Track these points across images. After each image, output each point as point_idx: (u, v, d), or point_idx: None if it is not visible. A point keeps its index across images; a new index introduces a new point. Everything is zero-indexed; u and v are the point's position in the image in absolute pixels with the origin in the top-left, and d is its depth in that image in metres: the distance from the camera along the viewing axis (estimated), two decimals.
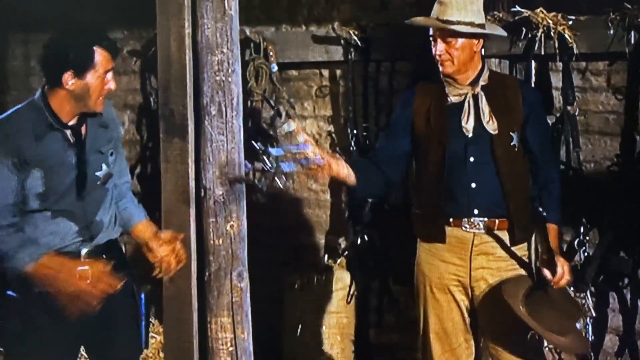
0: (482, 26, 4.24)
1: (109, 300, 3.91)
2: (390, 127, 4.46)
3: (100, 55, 3.78)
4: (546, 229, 4.15)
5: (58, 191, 3.78)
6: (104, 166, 3.93)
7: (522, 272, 4.30)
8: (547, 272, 4.13)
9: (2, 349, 3.99)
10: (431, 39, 4.27)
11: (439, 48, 4.22)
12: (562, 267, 4.14)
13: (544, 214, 4.18)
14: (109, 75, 3.82)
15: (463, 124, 4.25)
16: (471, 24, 4.19)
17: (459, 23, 4.18)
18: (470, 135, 4.24)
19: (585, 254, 4.86)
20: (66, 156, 3.81)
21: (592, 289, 4.92)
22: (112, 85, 3.84)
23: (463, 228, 4.26)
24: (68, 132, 3.83)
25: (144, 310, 4.11)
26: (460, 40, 4.21)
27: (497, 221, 4.25)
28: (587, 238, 4.87)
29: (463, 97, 4.28)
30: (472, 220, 4.25)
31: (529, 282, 4.22)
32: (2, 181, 3.71)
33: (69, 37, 3.80)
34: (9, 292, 3.85)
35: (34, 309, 3.82)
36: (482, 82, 4.29)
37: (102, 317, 3.92)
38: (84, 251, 3.87)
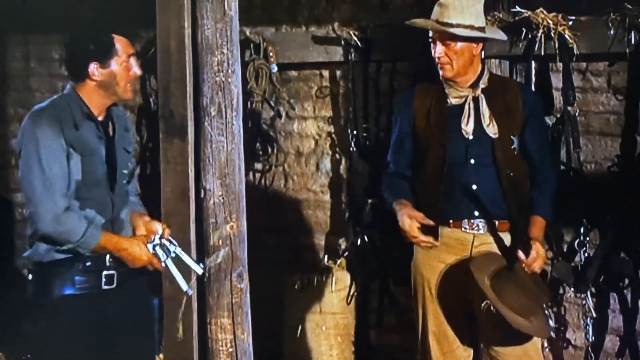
0: (481, 29, 4.23)
1: (127, 305, 3.93)
2: (397, 135, 4.44)
3: (119, 41, 3.83)
4: (528, 219, 4.19)
5: (93, 180, 3.82)
6: (129, 164, 3.97)
7: None
8: (521, 254, 4.12)
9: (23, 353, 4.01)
10: (430, 40, 4.26)
11: (438, 50, 4.21)
12: (537, 251, 4.13)
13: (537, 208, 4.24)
14: (132, 60, 3.87)
15: (463, 126, 4.24)
16: (471, 27, 4.18)
17: (458, 26, 4.17)
18: (470, 137, 4.24)
19: (586, 254, 4.85)
20: (98, 148, 3.84)
21: (593, 289, 4.91)
22: (136, 69, 3.89)
23: (463, 229, 4.25)
24: (99, 125, 3.87)
25: (157, 316, 4.12)
26: (460, 44, 4.20)
27: (497, 222, 4.24)
28: (588, 239, 4.87)
29: (463, 99, 4.28)
30: (472, 221, 4.25)
31: (502, 262, 4.20)
32: (63, 160, 3.76)
33: (87, 30, 3.89)
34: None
35: (50, 313, 3.83)
36: (482, 85, 4.29)
37: (120, 322, 3.93)
38: (108, 255, 3.88)
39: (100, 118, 3.89)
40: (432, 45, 4.25)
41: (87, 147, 3.80)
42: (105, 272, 3.87)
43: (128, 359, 4.01)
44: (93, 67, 3.80)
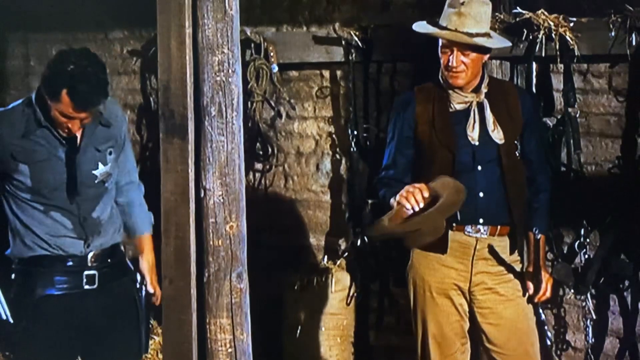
0: (489, 35, 4.22)
1: (109, 305, 3.92)
2: (398, 140, 4.39)
3: (66, 99, 3.71)
4: (534, 242, 4.21)
5: (48, 186, 3.79)
6: (101, 165, 3.92)
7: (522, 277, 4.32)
8: (530, 286, 4.21)
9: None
10: (443, 48, 4.20)
11: (456, 60, 4.14)
12: (546, 284, 4.24)
13: (534, 229, 4.24)
14: (69, 121, 3.75)
15: (469, 132, 4.21)
16: (486, 34, 4.16)
17: (477, 35, 4.13)
18: (476, 143, 4.22)
19: (586, 256, 4.85)
20: (56, 152, 3.81)
21: (593, 291, 4.91)
22: (72, 128, 3.77)
23: (466, 233, 4.23)
24: (59, 131, 3.83)
25: (144, 314, 4.11)
26: (475, 52, 4.17)
27: (499, 227, 4.23)
28: (588, 240, 4.86)
29: (468, 104, 4.25)
30: (475, 226, 4.23)
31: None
32: None
33: (54, 65, 3.76)
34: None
35: (32, 313, 3.81)
36: (484, 89, 4.27)
37: (103, 322, 3.92)
38: (90, 255, 3.87)
39: None
40: (444, 54, 4.19)
41: (38, 155, 3.79)
42: (86, 272, 3.87)
43: (112, 359, 4.01)
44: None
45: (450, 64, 4.16)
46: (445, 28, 4.17)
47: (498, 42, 4.26)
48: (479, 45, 4.13)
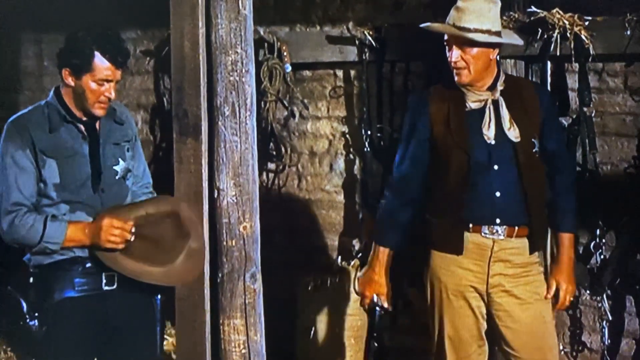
0: (498, 33, 4.16)
1: (128, 305, 3.91)
2: (414, 140, 4.30)
3: (100, 62, 3.79)
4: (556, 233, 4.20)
5: (75, 182, 3.82)
6: (121, 160, 3.94)
7: (540, 279, 4.28)
8: (552, 284, 4.25)
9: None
10: (446, 44, 4.18)
11: (454, 55, 4.12)
12: (565, 294, 4.27)
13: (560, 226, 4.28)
14: (108, 85, 3.82)
15: (484, 131, 4.16)
16: (488, 31, 4.10)
17: (476, 31, 4.08)
18: (492, 142, 4.18)
19: (602, 256, 4.83)
20: (80, 148, 3.85)
21: (609, 292, 4.88)
22: (109, 95, 3.84)
23: (482, 234, 4.18)
24: (81, 126, 3.86)
25: (159, 315, 4.10)
26: (476, 48, 4.10)
27: (516, 228, 4.19)
28: (604, 241, 4.85)
29: (483, 103, 4.21)
30: (492, 227, 4.19)
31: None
32: (25, 173, 3.78)
33: (75, 37, 3.85)
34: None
35: (52, 316, 3.81)
36: (499, 87, 4.23)
37: (122, 322, 3.92)
38: None
39: (86, 118, 3.88)
40: (447, 49, 4.16)
41: (64, 150, 3.82)
42: (105, 273, 3.87)
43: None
44: (66, 73, 3.81)
45: (449, 59, 4.15)
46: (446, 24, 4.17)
47: (498, 38, 4.15)
48: (474, 40, 4.09)
